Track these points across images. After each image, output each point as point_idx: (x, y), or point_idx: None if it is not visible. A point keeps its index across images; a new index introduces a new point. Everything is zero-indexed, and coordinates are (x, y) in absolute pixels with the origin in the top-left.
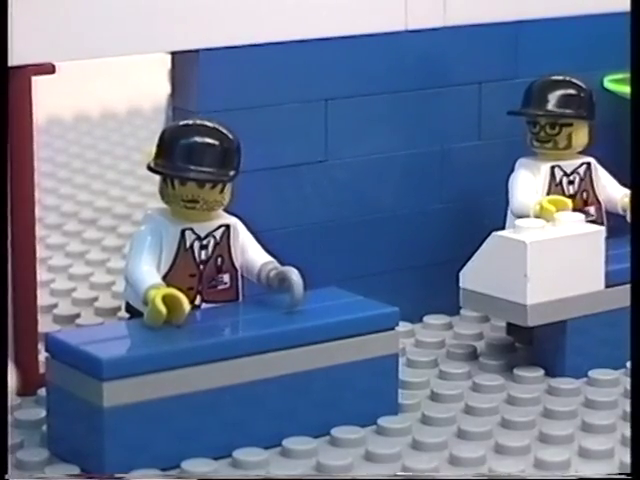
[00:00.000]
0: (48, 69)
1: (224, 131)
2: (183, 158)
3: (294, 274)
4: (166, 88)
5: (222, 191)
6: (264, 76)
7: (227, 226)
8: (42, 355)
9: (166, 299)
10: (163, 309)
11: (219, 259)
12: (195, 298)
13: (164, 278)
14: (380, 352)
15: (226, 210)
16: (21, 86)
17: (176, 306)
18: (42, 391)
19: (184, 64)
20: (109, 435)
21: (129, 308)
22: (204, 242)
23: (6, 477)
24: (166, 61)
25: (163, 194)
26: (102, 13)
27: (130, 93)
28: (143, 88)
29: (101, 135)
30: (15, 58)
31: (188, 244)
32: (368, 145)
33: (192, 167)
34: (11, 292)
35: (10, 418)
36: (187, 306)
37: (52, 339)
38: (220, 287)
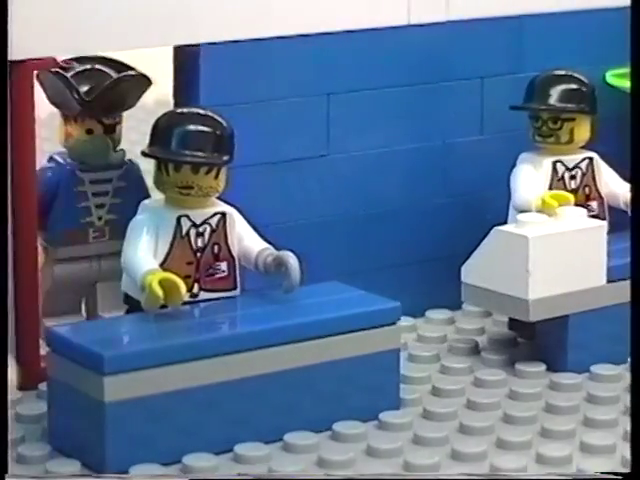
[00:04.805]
0: (50, 63)
1: (217, 118)
2: (177, 143)
3: (291, 258)
4: (169, 82)
5: (216, 177)
6: (266, 71)
7: (223, 214)
8: (43, 349)
9: (163, 283)
10: (160, 292)
11: (216, 247)
12: (193, 286)
13: (161, 266)
14: (382, 347)
15: (228, 203)
16: (23, 80)
17: (173, 290)
18: (43, 385)
19: (187, 58)
20: (110, 430)
21: (127, 299)
22: (200, 229)
23: (7, 474)
24: (169, 55)
25: (158, 182)
26: (104, 7)
27: None
28: None
29: None
30: (17, 52)
31: (184, 231)
32: (370, 139)
33: (187, 152)
34: (12, 287)
35: (11, 412)
36: (184, 289)
37: (53, 333)
38: (218, 275)
